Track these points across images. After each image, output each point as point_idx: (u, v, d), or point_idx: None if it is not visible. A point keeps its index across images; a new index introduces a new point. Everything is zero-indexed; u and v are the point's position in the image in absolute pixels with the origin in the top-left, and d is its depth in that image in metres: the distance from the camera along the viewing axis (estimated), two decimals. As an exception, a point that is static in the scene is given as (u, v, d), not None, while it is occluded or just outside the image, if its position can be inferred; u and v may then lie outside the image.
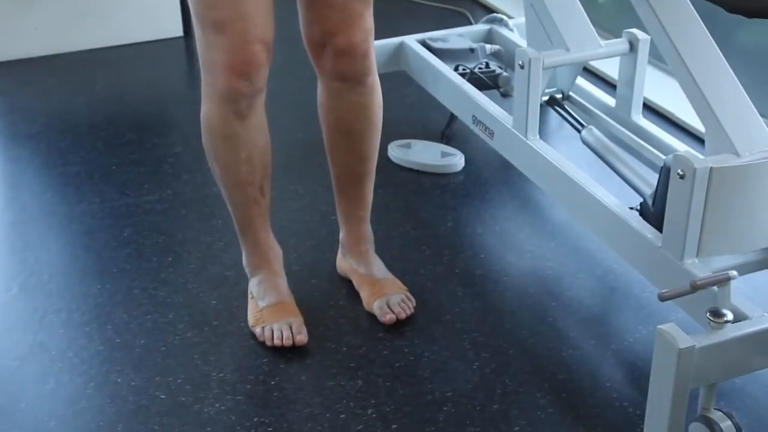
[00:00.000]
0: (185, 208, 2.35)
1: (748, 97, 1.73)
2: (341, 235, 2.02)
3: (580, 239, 2.19)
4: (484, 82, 2.47)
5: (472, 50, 2.57)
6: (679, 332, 1.42)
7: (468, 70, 2.48)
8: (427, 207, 2.34)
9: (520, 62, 2.05)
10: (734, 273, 1.51)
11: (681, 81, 1.78)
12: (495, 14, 2.78)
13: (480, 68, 2.50)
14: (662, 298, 1.51)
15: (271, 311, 1.89)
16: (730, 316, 1.47)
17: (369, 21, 1.75)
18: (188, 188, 2.43)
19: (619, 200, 1.87)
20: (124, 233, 2.25)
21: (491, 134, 2.23)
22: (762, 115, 1.74)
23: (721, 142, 1.70)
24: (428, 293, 2.02)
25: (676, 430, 1.46)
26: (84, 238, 2.24)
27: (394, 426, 1.68)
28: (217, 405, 1.74)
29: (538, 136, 2.10)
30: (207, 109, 1.75)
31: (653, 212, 1.79)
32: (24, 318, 1.97)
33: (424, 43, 2.59)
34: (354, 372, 1.81)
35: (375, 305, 1.94)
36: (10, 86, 3.04)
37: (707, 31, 1.78)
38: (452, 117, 2.60)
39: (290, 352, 1.85)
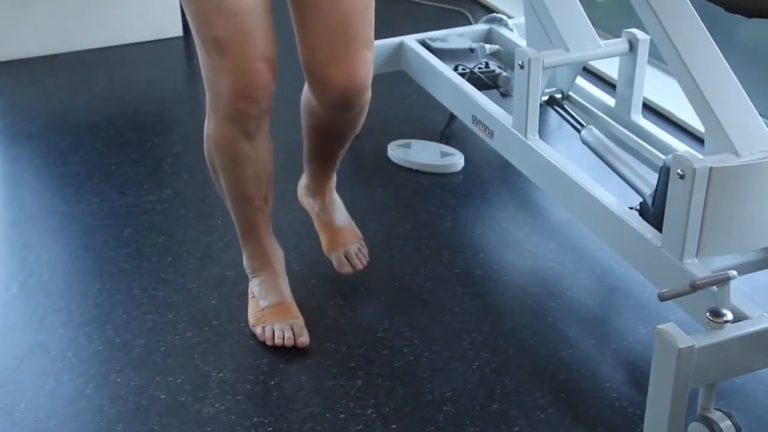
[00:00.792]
0: (185, 208, 2.35)
1: (747, 97, 1.73)
2: (306, 178, 2.08)
3: (579, 239, 2.19)
4: (484, 82, 2.47)
5: (471, 50, 2.57)
6: (678, 332, 1.42)
7: (468, 70, 2.48)
8: (426, 207, 2.34)
9: (520, 62, 2.05)
10: (734, 273, 1.51)
11: (681, 81, 1.78)
12: (495, 14, 2.78)
13: (480, 68, 2.50)
14: (662, 298, 1.51)
15: (272, 311, 1.89)
16: (729, 315, 1.47)
17: (370, 50, 1.70)
18: (188, 188, 2.43)
19: (618, 200, 1.87)
20: (123, 233, 2.25)
21: (491, 134, 2.23)
22: (762, 115, 1.74)
23: (720, 142, 1.70)
24: (428, 293, 2.03)
25: (676, 430, 1.46)
26: (84, 237, 2.24)
27: (393, 426, 1.68)
28: (216, 405, 1.74)
29: (537, 136, 2.10)
30: (213, 128, 1.73)
31: (653, 212, 1.79)
32: (24, 318, 1.97)
33: (423, 43, 2.59)
34: (354, 372, 1.81)
35: (333, 256, 2.03)
36: (10, 86, 3.04)
37: (707, 31, 1.78)
38: (452, 117, 2.60)
39: (290, 352, 1.85)
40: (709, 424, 1.52)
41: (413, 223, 2.28)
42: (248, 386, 1.78)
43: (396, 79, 2.77)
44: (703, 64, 1.75)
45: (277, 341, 1.85)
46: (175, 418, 1.71)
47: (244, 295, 1.98)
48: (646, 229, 1.77)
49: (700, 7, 1.75)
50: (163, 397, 1.76)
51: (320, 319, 1.94)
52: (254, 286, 1.93)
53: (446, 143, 2.59)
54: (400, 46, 2.60)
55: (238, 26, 1.59)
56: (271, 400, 1.75)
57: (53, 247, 2.21)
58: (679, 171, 1.62)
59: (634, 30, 2.14)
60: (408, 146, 2.55)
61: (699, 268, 1.65)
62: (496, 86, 2.49)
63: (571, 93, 2.39)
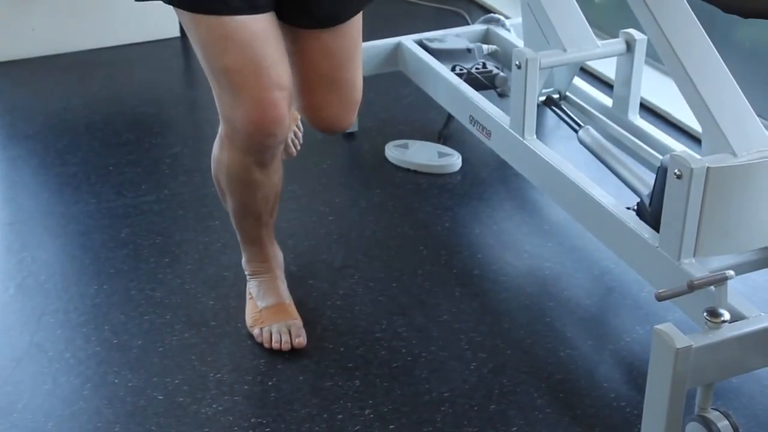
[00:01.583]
0: (183, 208, 2.35)
1: (744, 97, 1.73)
2: None
3: (577, 239, 2.19)
4: (481, 82, 2.47)
5: (469, 50, 2.57)
6: (676, 332, 1.42)
7: (465, 71, 2.48)
8: (424, 207, 2.34)
9: (517, 62, 2.05)
10: (731, 273, 1.51)
11: (678, 81, 1.78)
12: (492, 14, 2.78)
13: (477, 68, 2.50)
14: (659, 298, 1.51)
15: (270, 312, 1.89)
16: (727, 315, 1.47)
17: (359, 87, 1.76)
18: (186, 189, 2.43)
19: (616, 200, 1.87)
20: (121, 234, 2.25)
21: (488, 134, 2.23)
22: (758, 115, 1.75)
23: (717, 142, 1.70)
24: (426, 293, 2.03)
25: (674, 429, 1.46)
26: (81, 238, 2.24)
27: (391, 426, 1.68)
28: (214, 405, 1.74)
29: (535, 136, 2.10)
30: (227, 157, 1.71)
31: (650, 212, 1.79)
32: (21, 319, 1.97)
33: (421, 44, 2.59)
34: (352, 372, 1.81)
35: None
36: (7, 87, 3.04)
37: (704, 31, 1.78)
38: (449, 117, 2.60)
39: (288, 353, 1.85)
40: (707, 423, 1.52)
41: (411, 223, 2.28)
42: (246, 387, 1.78)
43: (393, 79, 2.77)
44: (700, 64, 1.75)
45: (275, 345, 1.85)
46: (172, 418, 1.71)
47: (242, 296, 1.98)
48: (643, 229, 1.77)
49: (697, 7, 1.75)
50: (160, 397, 1.76)
51: (318, 320, 1.94)
52: (252, 287, 1.93)
53: (444, 143, 2.59)
54: (398, 47, 2.60)
55: (249, 55, 1.55)
56: (269, 401, 1.75)
57: (50, 247, 2.21)
58: (676, 171, 1.62)
59: (631, 30, 2.14)
60: (406, 146, 2.55)
61: (696, 268, 1.65)
62: (493, 86, 2.50)
63: (568, 93, 2.39)
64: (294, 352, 1.85)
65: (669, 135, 2.16)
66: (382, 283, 2.04)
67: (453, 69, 2.48)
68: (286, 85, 1.60)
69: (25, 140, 2.69)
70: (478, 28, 2.73)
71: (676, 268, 1.67)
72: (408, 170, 2.50)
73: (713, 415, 1.53)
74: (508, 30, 2.69)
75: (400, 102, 2.86)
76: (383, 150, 2.56)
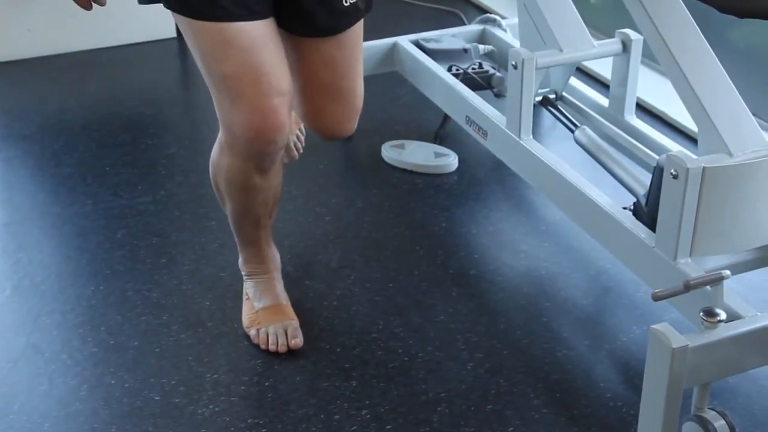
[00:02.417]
0: (179, 209, 2.35)
1: (740, 97, 1.74)
2: None
3: (573, 239, 2.19)
4: (478, 82, 2.47)
5: (465, 51, 2.57)
6: (672, 332, 1.42)
7: (461, 71, 2.48)
8: (420, 207, 2.34)
9: (514, 62, 2.05)
10: (727, 272, 1.51)
11: (674, 81, 1.78)
12: (488, 15, 2.78)
13: (473, 69, 2.50)
14: (656, 298, 1.51)
15: (266, 313, 1.89)
16: (723, 315, 1.47)
17: (360, 95, 1.77)
18: (182, 189, 2.42)
19: (612, 200, 1.87)
20: (117, 234, 2.25)
21: (485, 134, 2.23)
22: (754, 115, 1.75)
23: (713, 142, 1.71)
24: (422, 293, 2.03)
25: (670, 429, 1.47)
26: (77, 239, 2.23)
27: (388, 427, 1.68)
28: (211, 406, 1.73)
29: (531, 137, 2.10)
30: (226, 162, 1.70)
31: (646, 212, 1.79)
32: (17, 320, 1.97)
33: (417, 44, 2.59)
34: (348, 373, 1.81)
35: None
36: (3, 87, 3.04)
37: (700, 32, 1.78)
38: (446, 117, 2.60)
39: (284, 353, 1.85)
40: (703, 423, 1.52)
41: (407, 223, 2.28)
42: (243, 387, 1.78)
43: (390, 79, 2.77)
44: (696, 64, 1.75)
45: (271, 347, 1.85)
46: (169, 419, 1.71)
47: (238, 297, 1.98)
48: (639, 229, 1.78)
49: (693, 7, 1.75)
50: (157, 398, 1.76)
51: (314, 320, 1.94)
52: (249, 288, 1.93)
53: (440, 144, 2.59)
54: (394, 47, 2.61)
55: (248, 61, 1.54)
56: (266, 402, 1.75)
57: (47, 248, 2.21)
58: (672, 171, 1.62)
59: (627, 30, 2.15)
60: (402, 147, 2.55)
61: (692, 267, 1.66)
62: (489, 87, 2.50)
63: (564, 93, 2.39)
64: (291, 353, 1.85)
65: (665, 135, 2.16)
66: (378, 284, 2.04)
67: (449, 69, 2.48)
68: (285, 90, 1.60)
69: (21, 141, 2.69)
70: (474, 28, 2.73)
71: (673, 268, 1.67)
72: (404, 170, 2.50)
73: (710, 414, 1.53)
74: (505, 30, 2.69)
75: (396, 102, 2.86)
76: (380, 150, 2.56)
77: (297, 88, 1.70)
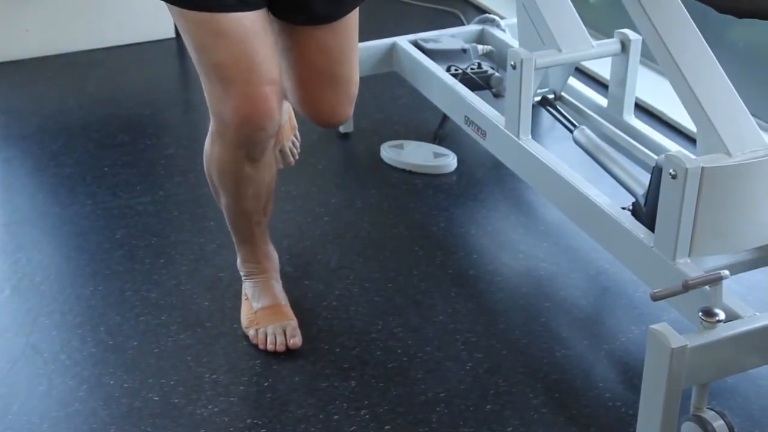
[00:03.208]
0: (178, 209, 2.35)
1: (739, 97, 1.74)
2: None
3: (572, 239, 2.20)
4: (476, 82, 2.47)
5: (464, 51, 2.57)
6: (671, 332, 1.43)
7: (460, 71, 2.48)
8: (419, 207, 2.34)
9: (512, 63, 2.05)
10: (726, 272, 1.51)
11: (672, 81, 1.78)
12: (487, 15, 2.78)
13: (472, 69, 2.50)
14: (654, 298, 1.52)
15: (265, 313, 1.89)
16: (722, 315, 1.47)
17: (355, 83, 1.76)
18: (181, 190, 2.42)
19: (611, 200, 1.87)
20: (116, 235, 2.25)
21: (483, 135, 2.23)
22: (753, 115, 1.75)
23: (712, 142, 1.71)
24: (421, 294, 2.03)
25: (669, 429, 1.47)
26: (76, 239, 2.23)
27: (387, 427, 1.68)
28: (210, 407, 1.73)
29: (530, 137, 2.10)
30: (217, 152, 1.72)
31: (645, 212, 1.79)
32: (16, 320, 1.97)
33: (416, 44, 2.59)
34: (347, 373, 1.81)
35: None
36: (1, 88, 3.04)
37: (698, 32, 1.78)
38: (445, 117, 2.60)
39: (283, 354, 1.85)
40: (702, 423, 1.53)
41: (406, 223, 2.28)
42: (242, 388, 1.78)
43: (389, 80, 2.77)
44: (695, 64, 1.75)
45: (269, 347, 1.85)
46: (168, 419, 1.71)
47: (237, 297, 1.98)
48: (638, 229, 1.78)
49: (691, 7, 1.75)
50: (156, 398, 1.76)
51: (313, 321, 1.94)
52: (248, 288, 1.93)
53: (439, 144, 2.59)
54: (393, 47, 2.61)
55: (240, 50, 1.55)
56: (265, 402, 1.75)
57: (46, 248, 2.21)
58: (671, 171, 1.62)
59: (626, 30, 2.15)
60: (401, 147, 2.55)
61: (691, 267, 1.66)
62: (488, 87, 2.50)
63: (563, 93, 2.39)
64: (289, 353, 1.85)
65: (664, 135, 2.16)
66: (377, 284, 2.04)
67: (448, 69, 2.48)
68: (276, 79, 1.61)
69: (20, 141, 2.69)
70: (473, 28, 2.73)
71: (671, 268, 1.67)
72: (403, 171, 2.50)
73: (709, 414, 1.53)
74: (503, 30, 2.69)
75: (395, 102, 2.86)
76: (378, 150, 2.56)
77: (292, 76, 1.71)
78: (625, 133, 2.17)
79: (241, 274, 1.96)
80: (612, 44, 2.16)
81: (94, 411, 1.73)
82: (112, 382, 1.80)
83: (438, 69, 2.44)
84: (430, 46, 2.58)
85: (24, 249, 2.20)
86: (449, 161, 2.50)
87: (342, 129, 2.65)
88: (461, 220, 2.28)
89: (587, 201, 1.88)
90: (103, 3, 3.23)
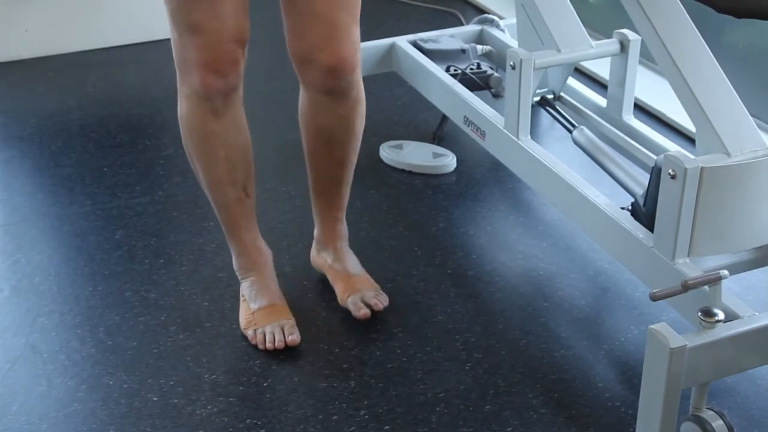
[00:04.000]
0: (177, 210, 2.35)
1: (738, 97, 1.74)
2: (316, 231, 2.03)
3: (571, 239, 2.20)
4: (476, 82, 2.47)
5: (463, 51, 2.57)
6: (670, 332, 1.43)
7: (459, 71, 2.48)
8: (419, 208, 2.34)
9: (512, 63, 2.05)
10: (725, 272, 1.51)
11: (671, 81, 1.78)
12: (486, 15, 2.78)
13: (471, 69, 2.50)
14: (654, 298, 1.52)
15: (263, 314, 1.89)
16: (721, 315, 1.47)
17: (356, 34, 1.74)
18: (180, 190, 2.43)
19: (610, 200, 1.87)
20: (115, 235, 2.25)
21: (483, 135, 2.23)
22: (752, 115, 1.75)
23: (711, 142, 1.71)
24: (420, 294, 2.03)
25: (668, 429, 1.47)
26: (76, 240, 2.23)
27: (386, 427, 1.68)
28: (209, 407, 1.73)
29: (529, 137, 2.10)
30: (184, 108, 1.76)
31: (644, 212, 1.79)
32: (16, 320, 1.97)
33: (415, 44, 2.59)
34: (347, 373, 1.81)
35: (349, 300, 1.94)
36: (1, 88, 3.04)
37: (697, 32, 1.78)
38: (444, 118, 2.60)
39: (282, 354, 1.85)
40: (701, 423, 1.53)
41: (405, 223, 2.28)
42: (241, 388, 1.78)
43: (388, 80, 2.77)
44: (694, 64, 1.75)
45: (269, 345, 1.85)
46: (167, 420, 1.71)
47: (236, 297, 1.98)
48: (637, 230, 1.78)
49: (691, 7, 1.75)
50: (155, 399, 1.76)
51: (313, 321, 1.94)
52: (245, 289, 1.93)
53: (438, 144, 2.59)
54: (392, 48, 2.61)
55: (214, 12, 1.62)
56: (264, 402, 1.75)
57: (45, 249, 2.21)
58: (670, 171, 1.62)
59: (625, 30, 2.15)
60: (400, 147, 2.55)
61: (690, 267, 1.66)
62: (487, 87, 2.50)
63: (562, 94, 2.39)
64: (289, 353, 1.85)
65: (663, 135, 2.16)
66: (376, 284, 2.04)
67: (447, 69, 2.48)
68: (243, 39, 1.68)
69: (19, 142, 2.69)
70: (472, 28, 2.73)
71: (671, 268, 1.67)
72: (403, 171, 2.50)
73: (708, 414, 1.53)
74: (503, 30, 2.69)
75: (394, 103, 2.86)
76: (378, 151, 2.56)
77: (292, 23, 1.73)
78: (624, 133, 2.17)
79: (238, 274, 1.96)
80: (611, 44, 2.16)
81: (93, 411, 1.73)
82: (111, 382, 1.80)
83: (437, 69, 2.44)
84: (429, 46, 2.58)
85: (23, 249, 2.20)
86: (448, 161, 2.50)
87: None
88: (460, 221, 2.28)
89: (586, 201, 1.88)
90: (103, 3, 3.23)
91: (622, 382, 1.78)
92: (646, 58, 2.56)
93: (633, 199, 1.88)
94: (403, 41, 2.60)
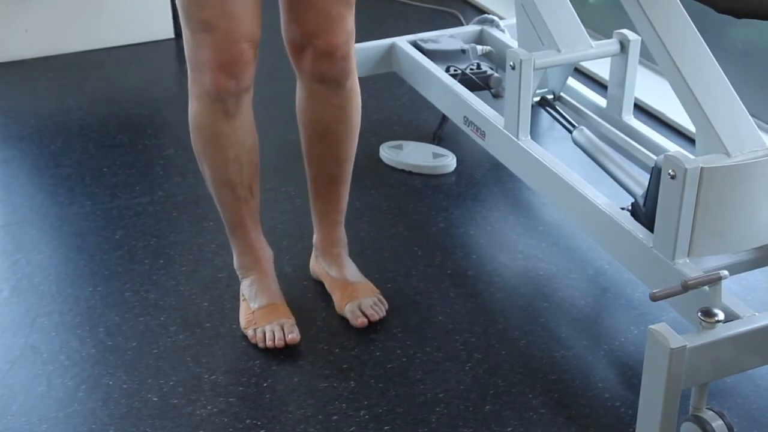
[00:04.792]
0: (177, 210, 2.35)
1: (738, 98, 1.74)
2: (315, 237, 2.03)
3: (571, 240, 2.20)
4: (476, 83, 2.47)
5: (463, 51, 2.58)
6: (670, 332, 1.43)
7: (459, 71, 2.48)
8: (419, 208, 2.34)
9: (511, 63, 2.05)
10: (725, 273, 1.51)
11: (671, 81, 1.78)
12: (486, 15, 2.78)
13: (471, 69, 2.50)
14: (654, 298, 1.52)
15: (263, 313, 1.89)
16: (721, 315, 1.47)
17: (350, 23, 1.76)
18: (180, 190, 2.43)
19: (610, 200, 1.87)
20: (115, 235, 2.25)
21: (483, 135, 2.23)
22: (752, 116, 1.75)
23: (711, 142, 1.71)
24: (420, 294, 2.03)
25: (668, 429, 1.47)
26: (76, 240, 2.23)
27: (386, 427, 1.68)
28: (209, 407, 1.73)
29: (529, 137, 2.10)
30: (195, 108, 1.76)
31: (644, 212, 1.79)
32: (15, 321, 1.97)
33: (415, 44, 2.59)
34: (346, 373, 1.81)
35: (347, 309, 1.93)
36: (0, 88, 3.04)
37: (697, 32, 1.78)
38: (444, 118, 2.60)
39: (282, 354, 1.85)
40: (701, 423, 1.53)
41: (405, 224, 2.28)
42: (241, 388, 1.78)
43: (388, 80, 2.77)
44: (694, 64, 1.75)
45: (269, 344, 1.85)
46: (167, 420, 1.71)
47: (236, 297, 1.98)
48: (637, 230, 1.78)
49: (690, 7, 1.75)
50: (155, 399, 1.76)
51: (313, 321, 1.94)
52: (245, 288, 1.93)
53: (438, 144, 2.59)
54: (392, 48, 2.61)
55: (228, 10, 1.63)
56: (264, 402, 1.75)
57: (45, 249, 2.21)
58: (670, 171, 1.62)
59: (625, 31, 2.15)
60: (400, 147, 2.55)
61: (690, 268, 1.66)
62: (487, 87, 2.50)
63: (562, 94, 2.39)
64: (289, 354, 1.85)
65: (663, 135, 2.17)
66: (376, 284, 2.04)
67: (447, 70, 2.48)
68: (255, 39, 1.68)
69: (18, 142, 2.69)
70: (472, 28, 2.73)
71: (671, 268, 1.67)
72: (402, 171, 2.50)
73: (708, 414, 1.53)
74: (503, 31, 2.69)
75: (394, 103, 2.86)
76: (377, 151, 2.56)
77: (288, 20, 1.75)
78: (624, 133, 2.17)
79: (238, 273, 1.96)
80: (611, 44, 2.16)
81: (93, 411, 1.73)
82: (111, 382, 1.80)
83: (437, 69, 2.44)
84: (429, 46, 2.58)
85: (23, 250, 2.20)
86: (448, 162, 2.50)
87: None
88: (460, 221, 2.28)
89: (586, 201, 1.88)
90: (103, 3, 3.23)
91: (622, 382, 1.78)
92: (646, 58, 2.56)
93: (633, 200, 1.88)
94: (403, 41, 2.60)
